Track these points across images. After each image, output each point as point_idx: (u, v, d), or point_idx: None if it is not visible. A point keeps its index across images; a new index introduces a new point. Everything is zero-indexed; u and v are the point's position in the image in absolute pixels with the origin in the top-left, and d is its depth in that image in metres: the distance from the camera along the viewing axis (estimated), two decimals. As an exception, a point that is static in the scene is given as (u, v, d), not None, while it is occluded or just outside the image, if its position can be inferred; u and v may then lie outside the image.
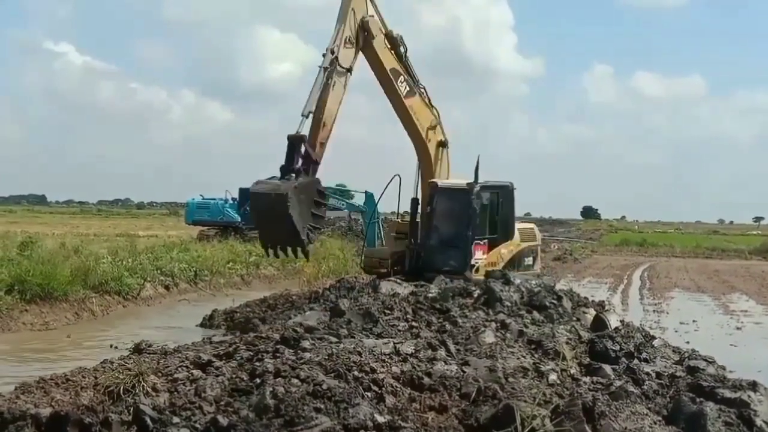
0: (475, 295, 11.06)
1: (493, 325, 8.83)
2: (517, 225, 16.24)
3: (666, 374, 7.49)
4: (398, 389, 5.85)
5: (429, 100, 15.45)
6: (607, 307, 13.10)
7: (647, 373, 7.38)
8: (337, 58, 13.23)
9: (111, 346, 11.98)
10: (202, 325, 15.04)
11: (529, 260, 15.87)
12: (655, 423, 5.72)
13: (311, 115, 12.94)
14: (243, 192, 37.92)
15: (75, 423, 4.75)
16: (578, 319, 10.54)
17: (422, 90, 15.33)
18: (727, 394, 6.32)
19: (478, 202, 14.95)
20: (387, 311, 9.33)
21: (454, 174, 16.00)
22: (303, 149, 12.72)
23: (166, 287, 19.05)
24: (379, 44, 14.44)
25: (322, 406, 5.13)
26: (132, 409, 5.15)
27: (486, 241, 15.17)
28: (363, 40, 13.98)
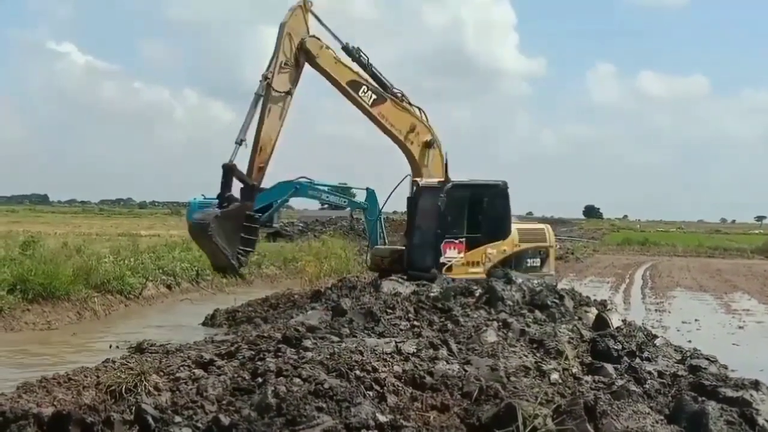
0: (477, 295, 11.07)
1: (495, 324, 8.83)
2: (520, 225, 16.07)
3: (668, 373, 7.48)
4: (400, 388, 5.85)
5: (408, 102, 15.33)
6: (609, 307, 13.09)
7: (649, 372, 7.38)
8: (270, 84, 13.65)
9: (110, 346, 11.99)
10: (204, 324, 15.05)
11: (533, 262, 15.49)
12: (657, 422, 5.71)
13: (244, 142, 13.61)
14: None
15: (77, 422, 4.75)
16: (580, 318, 10.53)
17: (397, 93, 15.21)
18: (729, 393, 6.31)
19: (445, 200, 14.78)
20: (389, 310, 9.33)
21: (467, 174, 15.98)
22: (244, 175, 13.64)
23: (168, 287, 19.07)
24: (326, 61, 14.66)
25: (324, 406, 5.13)
26: (134, 408, 5.16)
27: (463, 240, 15.03)
28: (305, 60, 14.26)
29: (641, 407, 5.93)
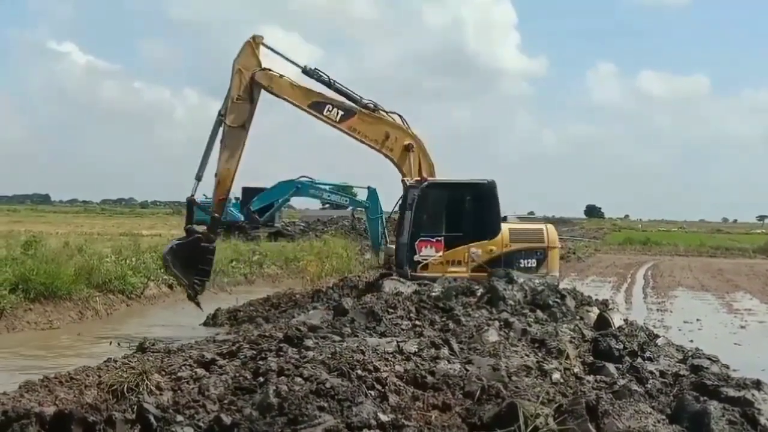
0: (479, 294, 11.07)
1: (497, 323, 8.83)
2: (514, 225, 15.85)
3: (670, 373, 7.48)
4: (401, 388, 5.85)
5: (382, 111, 15.32)
6: (610, 306, 13.09)
7: (651, 372, 7.37)
8: (224, 120, 14.16)
9: (110, 342, 12.02)
10: (205, 323, 15.06)
11: (528, 263, 15.17)
12: (659, 422, 5.70)
13: (204, 176, 14.40)
14: (246, 191, 38.04)
15: (79, 421, 4.75)
16: (582, 318, 10.53)
17: (368, 105, 15.23)
18: (731, 392, 6.30)
19: (416, 198, 14.85)
20: (390, 310, 9.33)
21: (468, 173, 15.96)
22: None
23: (170, 286, 19.06)
24: (282, 89, 14.96)
25: (326, 405, 5.13)
26: (136, 407, 5.16)
27: (441, 238, 15.05)
28: (259, 93, 14.61)
29: (643, 407, 5.92)
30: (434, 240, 15.03)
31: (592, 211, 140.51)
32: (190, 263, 14.14)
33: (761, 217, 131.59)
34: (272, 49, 14.79)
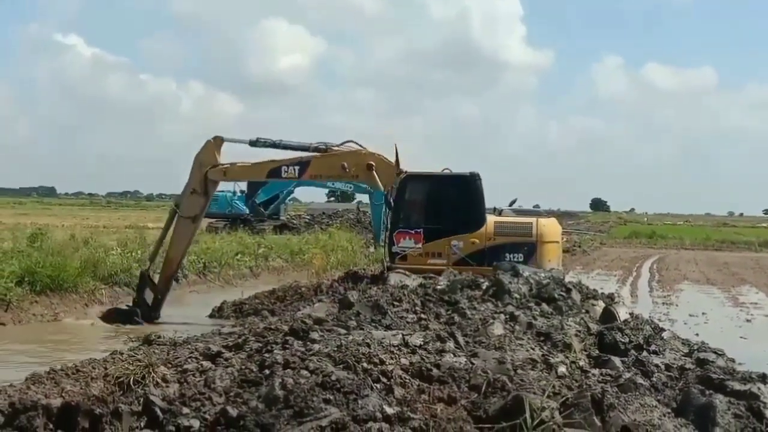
0: (484, 287, 11.05)
1: (502, 317, 8.82)
2: (501, 218, 15.76)
3: (675, 366, 7.46)
4: (407, 381, 5.85)
5: (333, 147, 15.41)
6: (616, 300, 13.07)
7: (656, 365, 7.36)
8: (178, 210, 14.95)
9: (115, 334, 12.05)
10: (211, 316, 15.10)
11: (515, 257, 14.85)
12: (664, 415, 5.70)
13: (156, 256, 15.42)
14: (251, 184, 38.11)
15: (85, 413, 4.77)
16: (587, 312, 10.50)
17: (319, 147, 15.39)
18: (737, 386, 6.29)
19: (393, 191, 15.00)
20: (396, 303, 9.32)
21: (472, 167, 15.93)
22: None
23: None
24: (236, 174, 16.06)
25: (331, 398, 5.13)
26: (142, 399, 5.17)
27: (420, 230, 15.12)
28: (213, 187, 15.49)
29: (648, 400, 5.91)
30: (413, 232, 15.07)
31: (598, 205, 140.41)
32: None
33: (767, 211, 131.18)
34: (233, 140, 15.49)
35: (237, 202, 38.62)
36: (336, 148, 15.39)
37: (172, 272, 15.30)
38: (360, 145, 15.44)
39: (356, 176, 15.48)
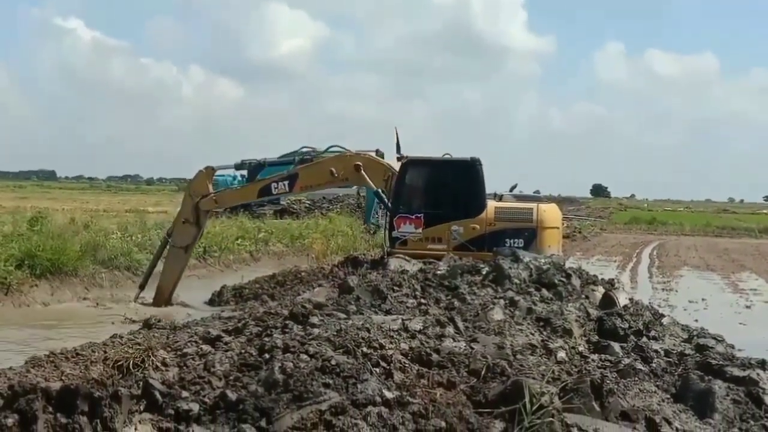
0: (484, 273, 11.04)
1: (502, 302, 8.81)
2: (501, 203, 15.71)
3: (674, 352, 7.47)
4: (406, 365, 5.85)
5: (320, 156, 15.58)
6: (616, 285, 13.05)
7: (656, 351, 7.36)
8: (170, 238, 15.04)
9: (112, 323, 12.06)
10: (210, 301, 15.11)
11: (515, 242, 14.81)
12: (664, 401, 5.71)
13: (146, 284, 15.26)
14: (251, 171, 38.07)
15: (85, 396, 4.77)
16: (587, 297, 10.49)
17: (303, 158, 15.53)
18: (736, 372, 6.30)
19: (389, 181, 15.02)
20: (395, 288, 9.31)
21: (474, 152, 15.88)
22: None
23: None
24: (227, 200, 16.24)
25: (331, 382, 5.13)
26: (141, 383, 5.17)
27: (421, 215, 15.14)
28: (207, 216, 15.55)
29: (648, 386, 5.93)
30: (413, 217, 15.09)
31: (599, 191, 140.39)
32: None
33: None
34: (223, 167, 15.98)
35: (237, 186, 38.60)
36: (322, 156, 15.55)
37: (164, 301, 15.03)
38: (344, 148, 15.58)
39: (346, 179, 15.57)
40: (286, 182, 15.24)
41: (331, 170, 15.06)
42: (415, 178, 15.62)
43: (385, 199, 15.26)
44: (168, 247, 15.10)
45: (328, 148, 15.70)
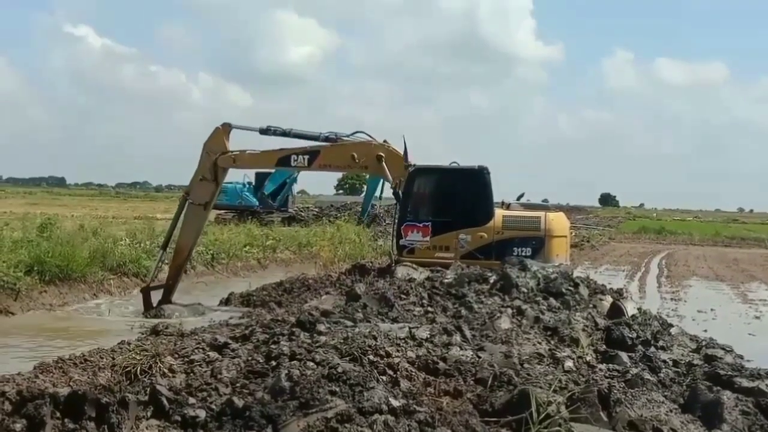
0: (491, 281, 11.03)
1: (509, 311, 8.80)
2: (509, 212, 15.70)
3: (683, 362, 7.44)
4: (413, 374, 5.85)
5: (344, 138, 15.41)
6: (624, 295, 13.01)
7: (664, 361, 7.34)
8: (189, 197, 14.97)
9: (128, 329, 12.06)
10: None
11: (523, 251, 14.81)
12: (672, 411, 5.68)
13: (167, 247, 15.33)
14: (258, 176, 38.20)
15: (92, 402, 4.78)
16: (595, 306, 10.48)
17: (328, 137, 15.39)
18: (745, 383, 6.27)
19: (402, 183, 14.98)
20: (403, 296, 9.32)
21: (481, 160, 15.86)
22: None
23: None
24: (246, 162, 15.90)
25: (337, 389, 5.13)
26: (149, 389, 5.18)
27: (429, 223, 15.13)
28: (224, 174, 15.40)
29: (655, 396, 5.89)
30: (421, 225, 15.08)
31: (607, 200, 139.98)
32: None
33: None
34: (240, 128, 15.54)
35: (247, 194, 38.74)
36: (346, 139, 15.40)
37: (183, 260, 15.25)
38: (370, 137, 15.42)
39: (365, 167, 15.52)
40: (307, 157, 15.19)
41: (353, 155, 15.02)
42: (423, 186, 15.62)
43: (400, 194, 15.18)
44: (186, 205, 15.01)
45: (353, 133, 15.55)
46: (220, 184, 15.54)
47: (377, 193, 36.02)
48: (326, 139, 15.35)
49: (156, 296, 14.75)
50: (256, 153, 15.54)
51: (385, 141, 15.37)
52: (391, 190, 15.61)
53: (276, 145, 15.69)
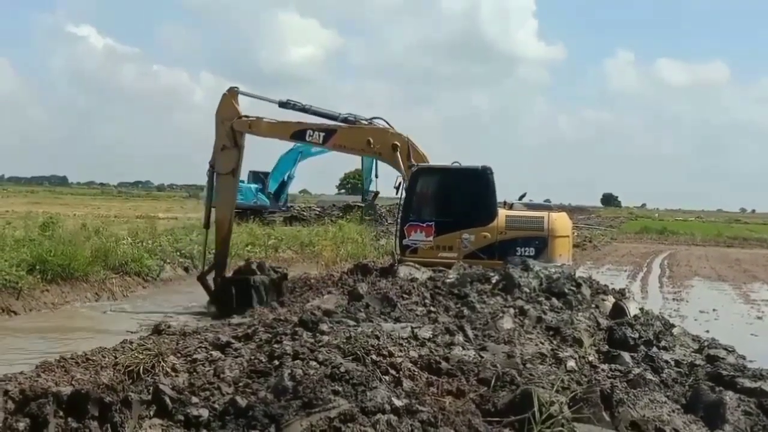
0: (494, 281, 11.03)
1: (512, 311, 8.80)
2: (512, 212, 15.66)
3: (685, 363, 7.44)
4: (416, 373, 5.85)
5: (362, 121, 15.44)
6: (626, 295, 13.01)
7: (666, 361, 7.34)
8: (214, 169, 15.07)
9: (130, 328, 12.07)
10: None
11: (526, 251, 14.78)
12: (674, 411, 5.68)
13: (208, 222, 15.54)
14: (254, 175, 38.50)
15: (95, 401, 4.78)
16: (597, 307, 10.48)
17: (348, 118, 15.42)
18: (747, 383, 6.27)
19: (406, 183, 15.02)
20: (405, 296, 9.32)
21: (483, 160, 15.85)
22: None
23: (186, 269, 19.19)
24: (262, 129, 15.58)
25: (340, 389, 5.13)
26: (151, 388, 5.18)
27: (432, 223, 15.15)
28: (243, 137, 15.35)
29: (658, 396, 5.89)
30: (424, 225, 15.09)
31: (609, 200, 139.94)
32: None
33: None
34: (248, 94, 15.65)
35: (261, 194, 39.04)
36: (364, 123, 15.43)
37: (226, 233, 15.41)
38: (389, 124, 15.44)
39: (379, 153, 15.53)
40: (323, 134, 15.25)
41: (369, 139, 15.09)
42: (426, 186, 15.62)
43: (405, 185, 15.17)
44: (215, 178, 15.11)
45: (373, 118, 15.55)
46: (242, 147, 15.46)
47: (374, 171, 36.13)
48: (345, 120, 15.38)
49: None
50: (273, 122, 15.48)
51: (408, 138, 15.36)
52: (394, 187, 15.61)
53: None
